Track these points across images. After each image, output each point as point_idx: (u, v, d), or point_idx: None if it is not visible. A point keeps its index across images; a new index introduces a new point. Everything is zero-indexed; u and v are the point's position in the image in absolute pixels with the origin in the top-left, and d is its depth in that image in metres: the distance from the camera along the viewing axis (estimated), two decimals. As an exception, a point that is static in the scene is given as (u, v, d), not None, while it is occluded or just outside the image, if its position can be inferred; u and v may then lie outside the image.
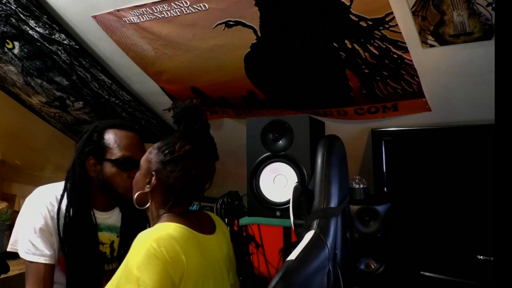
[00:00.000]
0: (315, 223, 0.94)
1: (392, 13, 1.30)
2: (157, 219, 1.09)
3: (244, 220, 1.64)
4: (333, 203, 0.98)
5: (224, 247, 1.18)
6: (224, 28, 1.58)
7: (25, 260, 1.23)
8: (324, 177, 1.00)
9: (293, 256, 0.85)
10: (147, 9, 1.60)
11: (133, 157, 1.25)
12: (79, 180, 1.26)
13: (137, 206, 1.13)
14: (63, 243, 1.23)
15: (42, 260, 1.21)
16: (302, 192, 1.04)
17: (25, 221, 1.27)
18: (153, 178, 1.09)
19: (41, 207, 1.25)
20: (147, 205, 1.11)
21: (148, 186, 1.10)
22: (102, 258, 1.30)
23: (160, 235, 0.97)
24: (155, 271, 0.91)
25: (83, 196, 1.27)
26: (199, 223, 1.12)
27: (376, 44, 1.42)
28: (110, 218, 1.36)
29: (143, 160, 1.14)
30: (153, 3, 1.56)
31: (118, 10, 1.67)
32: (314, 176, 1.03)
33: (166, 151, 1.08)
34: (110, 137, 1.27)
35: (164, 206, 1.10)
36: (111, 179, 1.26)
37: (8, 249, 1.31)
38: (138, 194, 1.12)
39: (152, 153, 1.12)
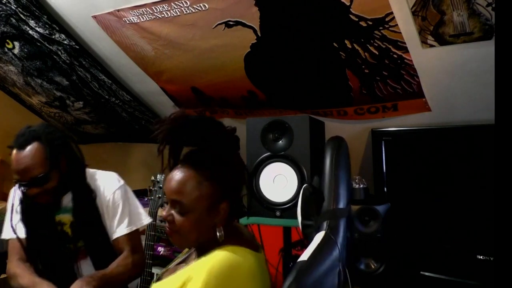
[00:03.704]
0: (325, 224, 0.94)
1: (392, 13, 1.30)
2: (217, 241, 0.96)
3: (244, 220, 1.64)
4: (342, 204, 0.99)
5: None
6: (224, 28, 1.58)
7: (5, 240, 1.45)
8: (333, 178, 1.01)
9: (305, 256, 0.86)
10: (147, 9, 1.60)
11: (21, 178, 1.34)
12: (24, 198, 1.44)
13: (203, 242, 0.98)
14: (24, 224, 1.41)
15: (14, 235, 1.40)
16: (312, 193, 1.04)
17: (7, 211, 1.48)
18: (225, 206, 0.96)
19: (11, 198, 1.48)
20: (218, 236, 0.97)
21: (218, 218, 0.96)
22: (65, 238, 1.42)
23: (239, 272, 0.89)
24: None
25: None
26: (252, 237, 1.03)
27: (376, 44, 1.42)
28: (64, 200, 1.44)
29: (195, 202, 0.93)
30: (153, 3, 1.56)
31: (118, 10, 1.67)
32: (323, 177, 1.04)
33: (223, 173, 0.95)
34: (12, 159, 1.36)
35: (227, 221, 0.98)
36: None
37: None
38: (208, 234, 0.95)
39: (205, 188, 0.93)
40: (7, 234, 1.44)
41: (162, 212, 1.01)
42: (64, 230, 1.42)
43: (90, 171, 1.52)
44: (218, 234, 0.95)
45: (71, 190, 1.42)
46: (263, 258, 0.99)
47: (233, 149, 1.00)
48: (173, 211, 0.96)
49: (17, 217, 1.44)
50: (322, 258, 0.87)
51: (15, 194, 1.45)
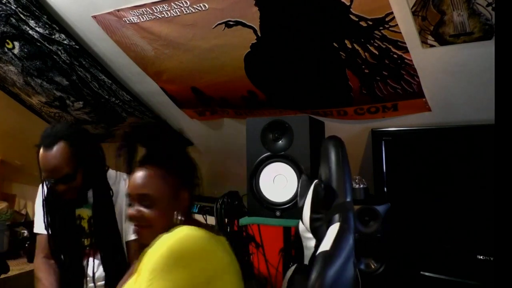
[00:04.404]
0: (337, 216, 0.98)
1: (392, 13, 1.30)
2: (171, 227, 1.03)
3: (244, 220, 1.64)
4: (349, 198, 1.05)
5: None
6: (224, 28, 1.58)
7: (35, 233, 1.53)
8: (342, 173, 1.06)
9: (326, 246, 0.89)
10: (147, 9, 1.60)
11: (49, 176, 1.41)
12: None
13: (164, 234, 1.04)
14: (46, 217, 1.47)
15: (44, 231, 1.47)
16: (324, 188, 1.08)
17: (36, 203, 1.55)
18: (186, 194, 1.08)
19: (39, 194, 1.53)
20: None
21: (179, 207, 1.07)
22: (81, 232, 1.49)
23: (186, 236, 0.95)
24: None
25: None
26: (212, 227, 1.14)
27: (376, 44, 1.42)
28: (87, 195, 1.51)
29: (158, 193, 1.05)
30: (153, 3, 1.56)
31: (118, 10, 1.67)
32: (329, 173, 1.08)
33: (180, 164, 1.08)
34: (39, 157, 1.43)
35: (188, 211, 1.09)
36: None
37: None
38: (171, 222, 1.04)
39: (166, 179, 1.05)
40: (37, 228, 1.53)
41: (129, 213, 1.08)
42: (81, 225, 1.49)
43: (118, 173, 1.58)
44: (176, 217, 1.05)
45: (92, 186, 1.48)
46: (225, 242, 1.08)
47: (181, 147, 1.14)
48: (140, 207, 1.05)
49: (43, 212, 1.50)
50: (342, 248, 0.92)
51: (43, 190, 1.52)
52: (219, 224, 1.86)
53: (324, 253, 0.87)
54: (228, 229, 1.87)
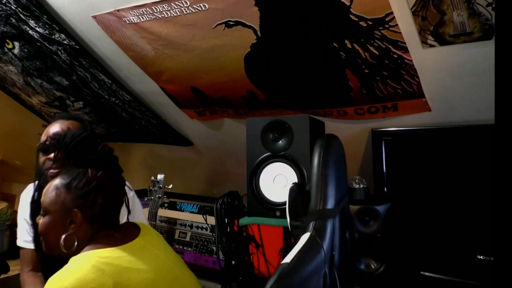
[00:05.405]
0: (311, 225, 0.93)
1: (392, 13, 1.30)
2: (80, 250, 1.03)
3: (244, 220, 1.64)
4: (330, 204, 0.97)
5: (160, 242, 1.19)
6: (224, 28, 1.58)
7: (19, 247, 1.45)
8: (320, 178, 0.98)
9: (288, 259, 0.84)
10: (147, 9, 1.60)
11: (48, 140, 1.37)
12: (38, 173, 1.42)
13: (64, 251, 1.04)
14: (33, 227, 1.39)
15: (31, 246, 1.40)
16: (298, 193, 1.03)
17: (18, 214, 1.48)
18: (77, 215, 1.05)
19: (25, 199, 1.45)
20: (75, 245, 1.04)
21: (72, 226, 1.05)
22: None
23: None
24: None
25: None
26: (121, 234, 1.10)
27: (376, 44, 1.42)
28: None
29: (50, 205, 1.07)
30: (153, 3, 1.56)
31: (118, 10, 1.67)
32: (311, 177, 1.02)
33: (81, 184, 1.06)
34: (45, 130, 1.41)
35: (92, 235, 1.06)
36: (38, 163, 1.39)
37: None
38: (64, 239, 1.04)
39: (60, 193, 1.06)
40: (20, 241, 1.47)
41: None
42: None
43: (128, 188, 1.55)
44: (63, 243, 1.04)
45: None
46: (141, 244, 1.08)
47: (95, 167, 1.10)
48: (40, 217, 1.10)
49: (26, 225, 1.44)
50: (305, 261, 0.85)
51: (25, 199, 1.45)
52: (219, 224, 1.86)
53: (283, 266, 0.82)
54: (228, 229, 1.87)
